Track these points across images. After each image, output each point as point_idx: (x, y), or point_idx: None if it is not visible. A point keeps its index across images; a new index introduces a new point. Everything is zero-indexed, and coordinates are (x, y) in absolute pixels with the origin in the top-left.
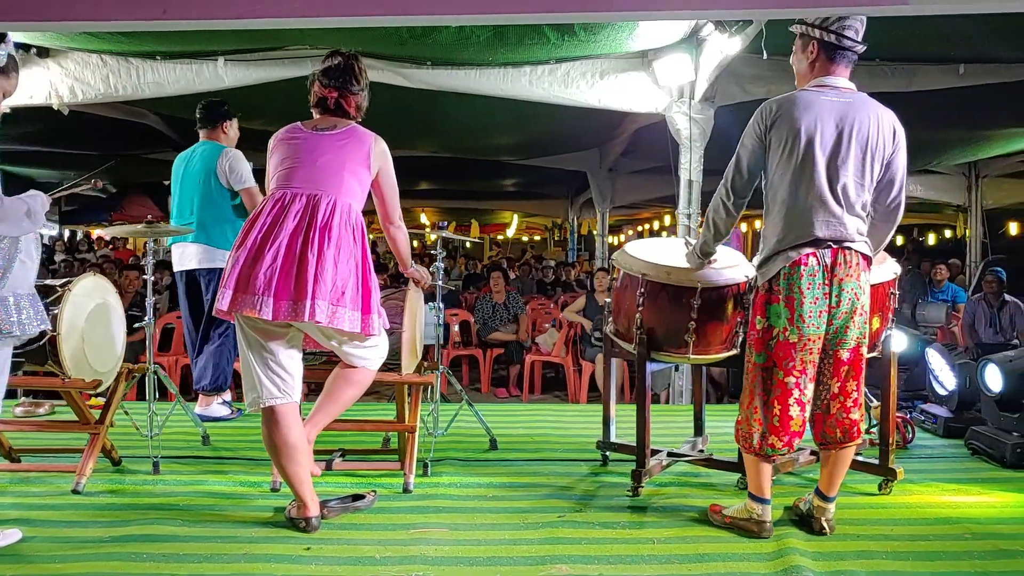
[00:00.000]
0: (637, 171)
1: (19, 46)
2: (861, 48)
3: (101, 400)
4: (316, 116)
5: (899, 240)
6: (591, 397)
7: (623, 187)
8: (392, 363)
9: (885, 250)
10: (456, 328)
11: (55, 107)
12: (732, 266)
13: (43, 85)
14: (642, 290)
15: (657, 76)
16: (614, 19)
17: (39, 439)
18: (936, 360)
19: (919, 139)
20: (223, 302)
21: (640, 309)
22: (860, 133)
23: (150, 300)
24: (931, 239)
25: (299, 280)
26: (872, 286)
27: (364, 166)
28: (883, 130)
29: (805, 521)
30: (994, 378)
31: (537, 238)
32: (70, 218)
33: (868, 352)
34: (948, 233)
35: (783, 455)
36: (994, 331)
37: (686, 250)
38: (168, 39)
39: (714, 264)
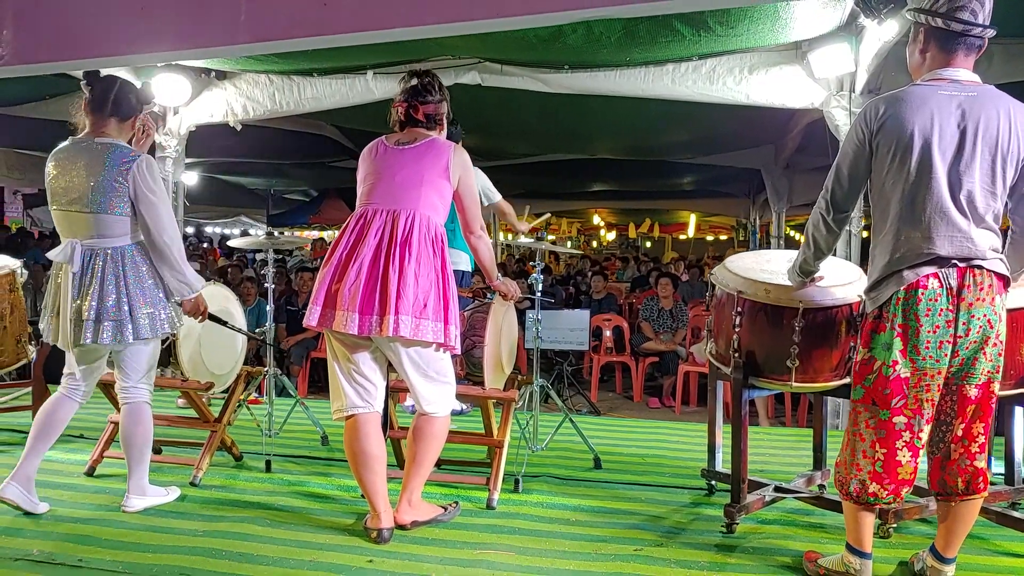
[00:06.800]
0: (816, 168)
1: (201, 70)
2: (983, 32)
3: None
4: (397, 132)
5: None
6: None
7: (801, 185)
8: (476, 377)
9: None
10: (608, 334)
11: (230, 124)
12: (844, 284)
13: (221, 104)
14: (739, 309)
15: (813, 68)
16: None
17: (182, 433)
18: None
19: None
20: (312, 318)
21: (737, 330)
22: (987, 132)
23: (270, 308)
24: None
25: (382, 296)
26: (1018, 311)
27: (443, 177)
28: (1016, 127)
29: None
30: None
31: (723, 237)
32: (276, 221)
33: (1016, 387)
34: None
35: (887, 504)
36: None
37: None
38: (322, 56)
39: (821, 282)
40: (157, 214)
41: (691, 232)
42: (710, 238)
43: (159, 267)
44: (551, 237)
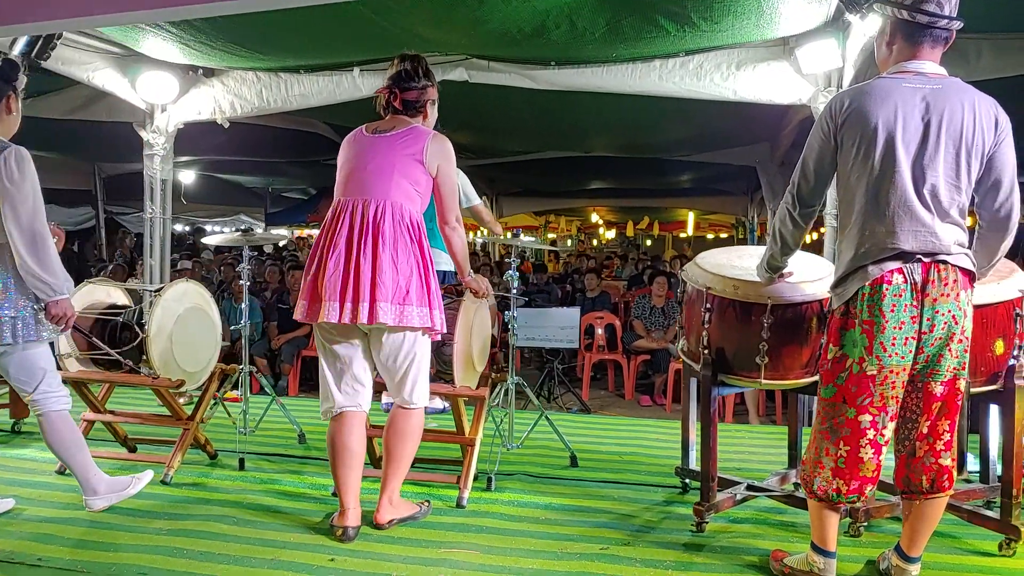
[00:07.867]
0: None
1: (188, 68)
2: (950, 23)
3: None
4: (380, 119)
5: None
6: (738, 410)
7: None
8: (447, 375)
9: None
10: (600, 332)
11: (218, 121)
12: (813, 280)
13: (209, 102)
14: (708, 305)
15: (800, 64)
16: None
17: (155, 432)
18: None
19: None
20: (300, 311)
21: (706, 327)
22: (951, 125)
23: (245, 304)
24: None
25: (356, 284)
26: (988, 307)
27: (417, 164)
28: (981, 120)
29: None
30: None
31: (724, 235)
32: (274, 219)
33: (988, 384)
34: None
35: (850, 503)
36: None
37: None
38: (308, 53)
39: (790, 278)
40: (12, 206)
41: (690, 230)
42: (710, 236)
43: (17, 264)
44: (551, 235)
